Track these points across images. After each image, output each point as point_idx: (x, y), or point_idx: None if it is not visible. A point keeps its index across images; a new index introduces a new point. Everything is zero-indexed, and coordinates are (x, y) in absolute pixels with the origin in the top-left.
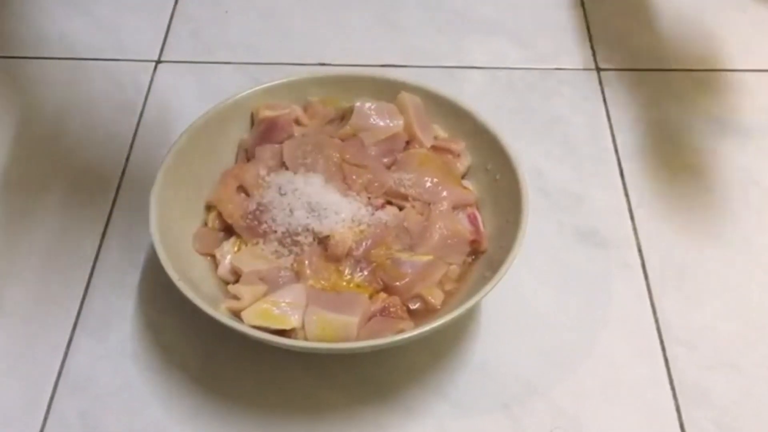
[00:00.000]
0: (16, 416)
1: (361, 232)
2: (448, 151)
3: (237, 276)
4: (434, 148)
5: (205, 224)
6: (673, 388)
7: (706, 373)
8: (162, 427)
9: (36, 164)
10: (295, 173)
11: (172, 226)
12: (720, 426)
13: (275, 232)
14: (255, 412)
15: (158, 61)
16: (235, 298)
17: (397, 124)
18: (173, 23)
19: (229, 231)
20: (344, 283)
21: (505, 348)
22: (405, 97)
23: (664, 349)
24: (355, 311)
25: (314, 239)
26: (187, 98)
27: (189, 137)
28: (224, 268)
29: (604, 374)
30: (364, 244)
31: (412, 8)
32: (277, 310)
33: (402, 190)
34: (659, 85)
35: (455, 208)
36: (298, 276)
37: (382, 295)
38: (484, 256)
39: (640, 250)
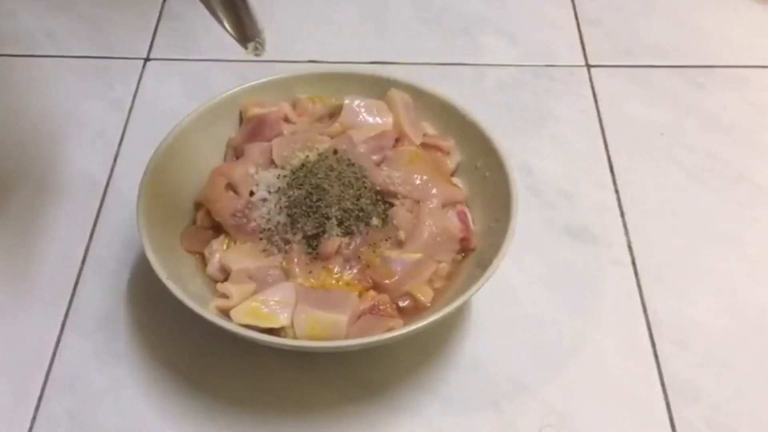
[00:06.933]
0: (5, 415)
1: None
2: (438, 148)
3: (226, 274)
4: (424, 145)
5: (194, 223)
6: (663, 386)
7: (696, 370)
8: (151, 426)
9: (23, 163)
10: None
11: (161, 225)
12: (710, 423)
13: (264, 230)
14: (244, 410)
15: (147, 59)
16: (224, 296)
17: (387, 121)
18: (161, 21)
19: (217, 229)
20: (333, 282)
21: (496, 346)
22: (394, 94)
23: (654, 347)
24: (345, 309)
25: (303, 237)
26: (175, 96)
27: (177, 135)
28: (213, 266)
29: (594, 372)
30: (353, 242)
31: (402, 5)
32: (266, 309)
33: (391, 187)
34: (650, 81)
35: (445, 205)
36: (287, 274)
37: (372, 293)
38: (473, 253)
39: (630, 247)
